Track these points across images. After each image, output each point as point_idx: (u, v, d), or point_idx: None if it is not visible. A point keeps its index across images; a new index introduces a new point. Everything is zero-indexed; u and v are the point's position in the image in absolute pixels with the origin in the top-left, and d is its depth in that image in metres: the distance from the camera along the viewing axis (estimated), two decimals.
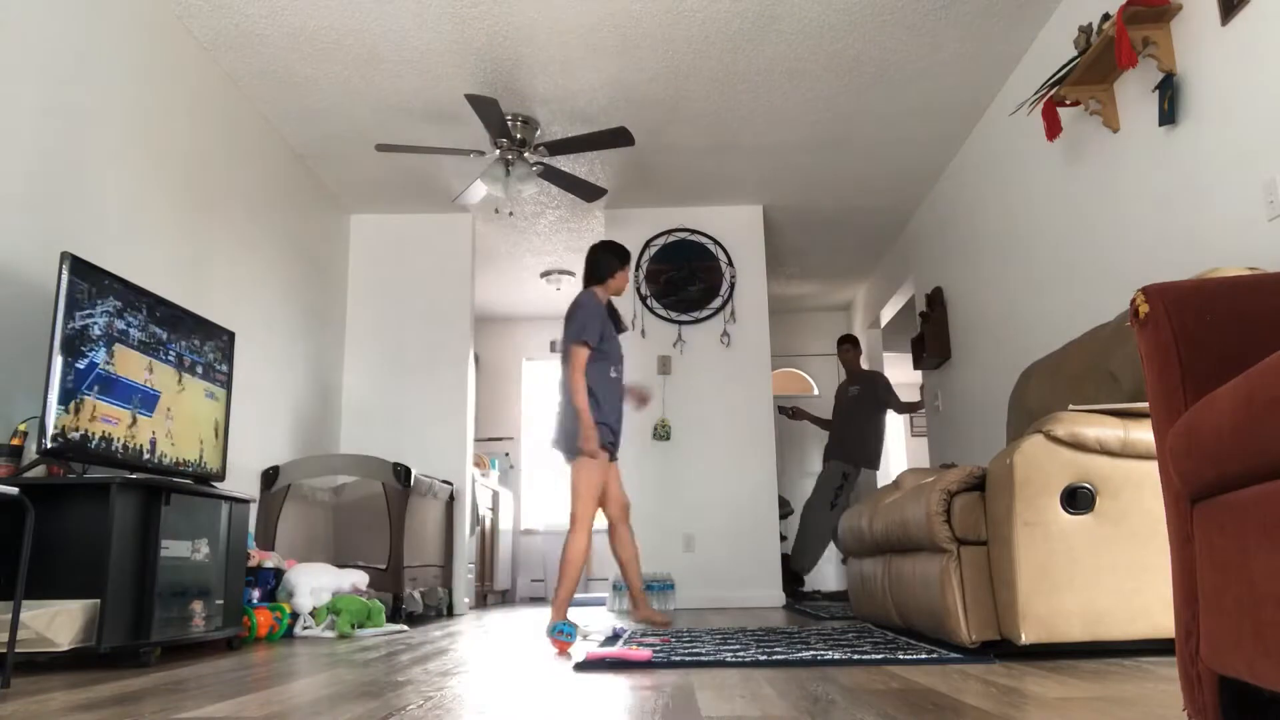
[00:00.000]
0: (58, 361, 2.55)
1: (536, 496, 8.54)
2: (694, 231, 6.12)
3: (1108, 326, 3.04)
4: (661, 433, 5.84)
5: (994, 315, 4.86)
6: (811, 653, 2.55)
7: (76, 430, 2.62)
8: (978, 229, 5.06)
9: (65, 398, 2.56)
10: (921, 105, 4.76)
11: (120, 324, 2.84)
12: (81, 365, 2.64)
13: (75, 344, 2.63)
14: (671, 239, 6.11)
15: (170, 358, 3.12)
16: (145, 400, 2.94)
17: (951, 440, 5.67)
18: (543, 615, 5.27)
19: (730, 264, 6.07)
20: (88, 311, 2.68)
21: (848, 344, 6.75)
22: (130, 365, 2.88)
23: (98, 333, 2.72)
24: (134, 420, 2.88)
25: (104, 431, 2.74)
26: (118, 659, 2.71)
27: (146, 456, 2.93)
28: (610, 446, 3.83)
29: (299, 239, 5.19)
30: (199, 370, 3.31)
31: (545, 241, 6.64)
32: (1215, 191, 2.87)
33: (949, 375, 5.69)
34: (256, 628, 3.49)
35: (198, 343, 3.31)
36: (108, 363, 2.76)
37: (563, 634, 2.88)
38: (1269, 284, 1.32)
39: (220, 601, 3.10)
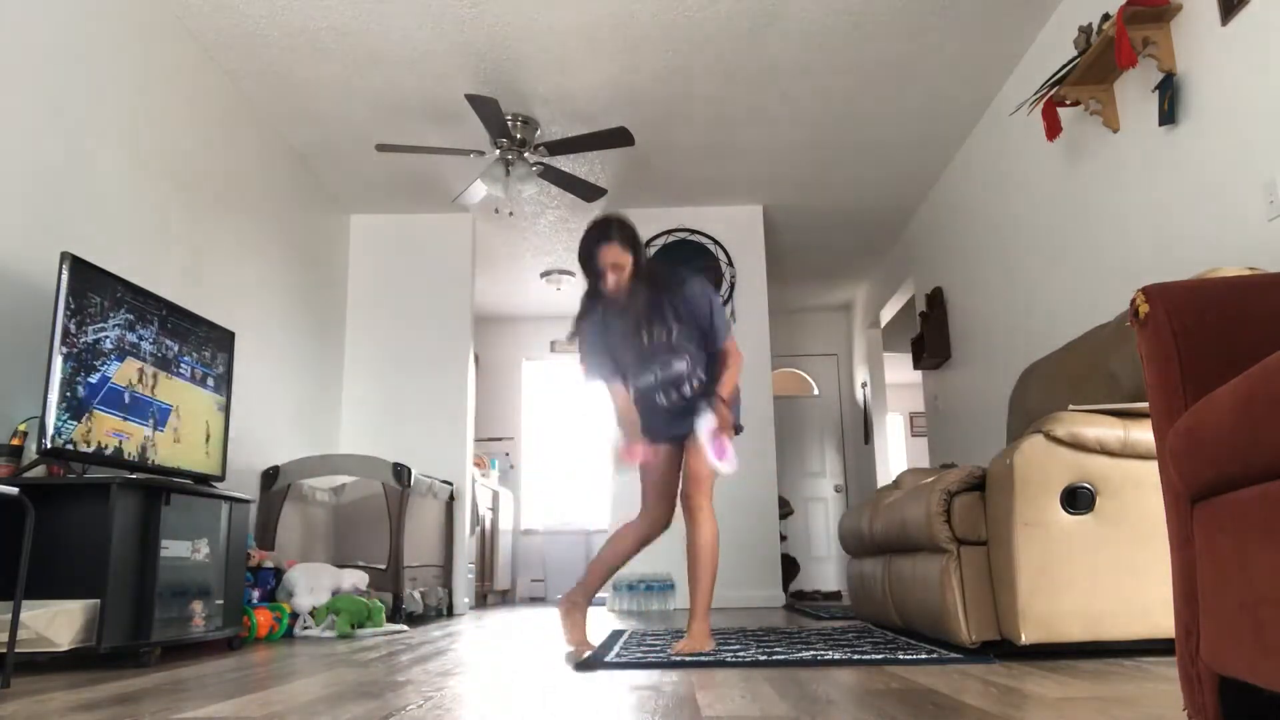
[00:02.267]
0: (57, 362, 2.55)
1: (536, 496, 8.53)
2: (694, 231, 6.12)
3: (1108, 326, 3.04)
4: None
5: (994, 315, 4.86)
6: (811, 653, 2.55)
7: (88, 445, 2.68)
8: (978, 229, 5.05)
9: (75, 412, 2.57)
10: (922, 105, 4.76)
11: (123, 325, 2.84)
12: (78, 365, 2.64)
13: (78, 350, 2.63)
14: (671, 239, 6.11)
15: (170, 359, 3.12)
16: (157, 413, 2.95)
17: (951, 440, 5.67)
18: (542, 615, 5.26)
19: (730, 264, 6.07)
20: (90, 320, 2.68)
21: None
22: (130, 371, 2.88)
23: (94, 338, 2.73)
24: (144, 432, 2.88)
25: (116, 444, 2.81)
26: (118, 659, 2.71)
27: (149, 459, 2.94)
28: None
29: (299, 239, 5.19)
30: (199, 371, 3.31)
31: (545, 241, 6.63)
32: (1215, 191, 2.87)
33: (949, 375, 5.69)
34: (256, 628, 3.49)
35: (198, 343, 3.30)
36: (108, 367, 2.76)
37: None
38: (1269, 284, 1.32)
39: (220, 601, 3.10)
